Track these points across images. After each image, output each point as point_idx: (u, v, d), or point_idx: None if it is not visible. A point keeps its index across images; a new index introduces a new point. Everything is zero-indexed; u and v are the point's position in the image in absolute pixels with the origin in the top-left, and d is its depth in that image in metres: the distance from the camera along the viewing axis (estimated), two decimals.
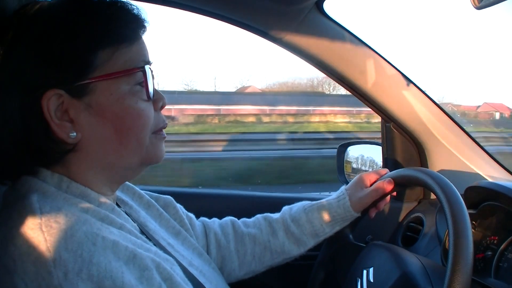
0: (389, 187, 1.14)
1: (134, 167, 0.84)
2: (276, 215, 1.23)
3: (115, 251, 0.67)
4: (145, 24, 0.84)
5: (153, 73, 0.85)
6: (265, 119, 23.71)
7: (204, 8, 1.29)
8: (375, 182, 1.18)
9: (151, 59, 0.85)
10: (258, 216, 1.25)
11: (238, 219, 1.27)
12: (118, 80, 0.77)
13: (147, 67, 0.81)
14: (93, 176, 0.80)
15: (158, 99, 0.85)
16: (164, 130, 0.88)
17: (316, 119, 24.76)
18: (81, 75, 0.75)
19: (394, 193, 1.19)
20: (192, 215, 1.19)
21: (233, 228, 1.21)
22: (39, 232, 0.65)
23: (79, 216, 0.69)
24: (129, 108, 0.78)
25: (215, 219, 1.25)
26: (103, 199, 0.80)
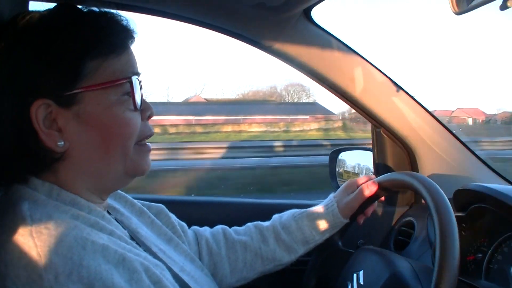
0: (372, 188, 1.15)
1: (120, 177, 0.85)
2: (266, 223, 1.24)
3: (104, 254, 0.68)
4: (134, 34, 0.85)
5: (141, 83, 0.86)
6: (172, 130, 23.91)
7: (192, 17, 1.31)
8: None
9: (139, 69, 0.86)
10: (249, 224, 1.26)
11: (230, 225, 1.27)
12: (106, 90, 0.79)
13: (134, 78, 0.82)
14: (81, 184, 0.81)
15: (145, 109, 0.87)
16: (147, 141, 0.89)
17: (229, 128, 25.16)
18: (69, 85, 0.76)
19: (383, 198, 1.20)
20: (183, 224, 1.19)
21: (224, 235, 1.22)
22: (30, 238, 0.66)
23: (69, 222, 0.70)
24: (116, 117, 0.79)
25: (206, 228, 1.26)
26: (93, 207, 0.80)
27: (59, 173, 0.79)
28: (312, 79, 1.48)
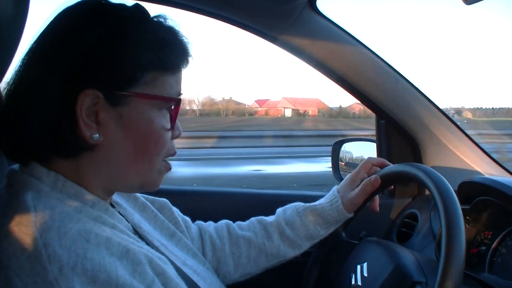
0: (375, 184, 1.14)
1: (134, 187, 0.86)
2: (270, 218, 1.24)
3: (108, 247, 0.68)
4: (190, 58, 0.86)
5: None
6: None
7: (198, 6, 1.30)
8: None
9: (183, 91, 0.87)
10: (253, 219, 1.25)
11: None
12: (153, 103, 0.80)
13: (180, 98, 0.84)
14: (97, 179, 0.81)
15: (175, 129, 0.87)
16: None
17: None
18: (124, 86, 0.76)
19: (391, 188, 1.19)
20: (187, 218, 1.19)
21: (228, 231, 1.22)
22: (34, 229, 0.65)
23: (72, 215, 0.70)
24: (153, 131, 0.80)
25: (210, 222, 1.25)
26: (97, 200, 0.80)
27: (83, 161, 0.79)
28: (316, 69, 1.47)
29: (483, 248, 1.11)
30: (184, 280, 0.82)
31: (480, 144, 1.56)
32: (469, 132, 1.58)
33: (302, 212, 1.20)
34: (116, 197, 0.98)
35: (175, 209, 1.15)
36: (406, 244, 1.41)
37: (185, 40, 0.85)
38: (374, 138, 1.70)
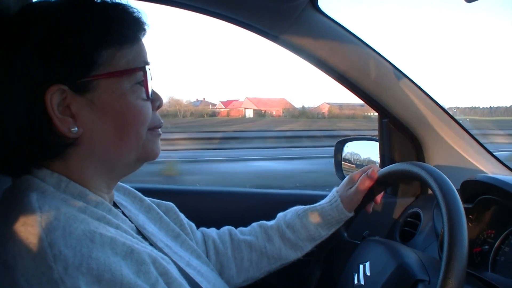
0: (372, 178, 1.14)
1: (131, 163, 0.85)
2: (271, 222, 1.25)
3: (112, 246, 0.68)
4: (145, 27, 0.86)
5: (152, 73, 0.86)
6: None
7: (200, 6, 1.30)
8: None
9: (149, 60, 0.86)
10: (254, 224, 1.27)
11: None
12: (120, 79, 0.80)
13: (147, 67, 0.83)
14: (92, 172, 0.81)
15: (155, 99, 0.88)
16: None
17: None
18: (85, 72, 0.76)
19: (381, 194, 1.19)
20: (192, 223, 1.20)
21: (230, 235, 1.23)
22: (39, 229, 0.66)
23: (77, 216, 0.70)
24: (129, 105, 0.80)
25: (213, 229, 1.27)
26: (101, 200, 0.81)
27: (71, 159, 0.79)
28: (319, 68, 1.47)
29: (486, 247, 1.10)
30: (187, 280, 0.83)
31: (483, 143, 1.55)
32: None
33: (302, 214, 1.20)
34: (121, 199, 0.99)
35: (180, 213, 1.16)
36: (409, 243, 1.40)
37: (135, 11, 0.84)
38: (377, 137, 1.70)
